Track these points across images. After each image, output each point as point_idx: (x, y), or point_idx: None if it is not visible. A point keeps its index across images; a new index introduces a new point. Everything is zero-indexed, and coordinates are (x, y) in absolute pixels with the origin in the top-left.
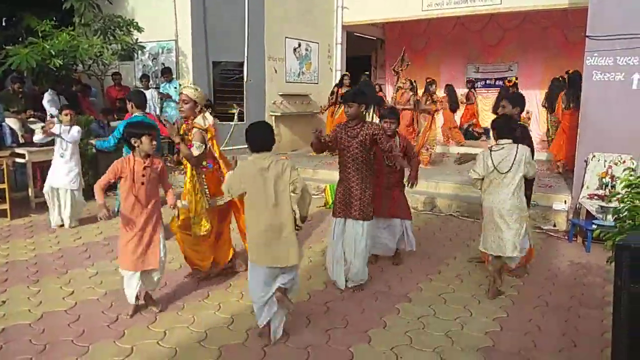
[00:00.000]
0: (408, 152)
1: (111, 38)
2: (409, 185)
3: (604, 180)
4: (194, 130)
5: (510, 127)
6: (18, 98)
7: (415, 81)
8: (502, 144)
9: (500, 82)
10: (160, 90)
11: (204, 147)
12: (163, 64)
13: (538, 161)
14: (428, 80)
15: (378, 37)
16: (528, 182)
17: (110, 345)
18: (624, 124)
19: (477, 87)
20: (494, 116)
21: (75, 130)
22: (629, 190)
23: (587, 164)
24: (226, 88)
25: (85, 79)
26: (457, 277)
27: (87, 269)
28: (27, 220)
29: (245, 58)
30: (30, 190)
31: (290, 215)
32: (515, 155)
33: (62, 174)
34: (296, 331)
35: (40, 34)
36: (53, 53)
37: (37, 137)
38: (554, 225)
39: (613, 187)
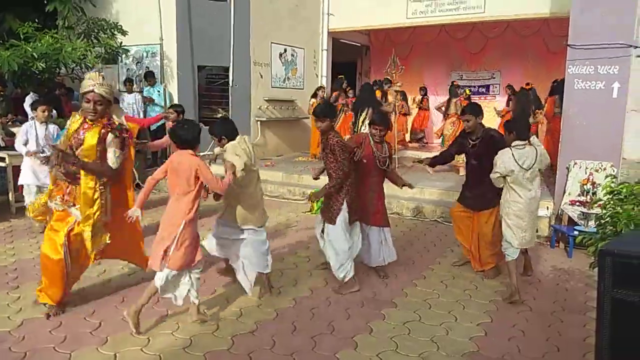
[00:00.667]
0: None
1: (95, 41)
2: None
3: (585, 187)
4: (110, 136)
5: (528, 129)
6: None
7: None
8: (523, 144)
9: (483, 90)
10: (145, 94)
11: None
12: (147, 67)
13: None
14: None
15: (363, 43)
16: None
17: (93, 353)
18: (605, 132)
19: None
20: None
21: (52, 128)
22: (611, 196)
23: (568, 171)
24: (211, 93)
25: (68, 82)
26: (442, 282)
27: None
28: (7, 225)
29: (231, 63)
30: (10, 194)
31: None
32: (536, 154)
33: (42, 171)
34: (282, 337)
35: (22, 36)
36: (36, 56)
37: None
38: (537, 231)
39: (594, 193)
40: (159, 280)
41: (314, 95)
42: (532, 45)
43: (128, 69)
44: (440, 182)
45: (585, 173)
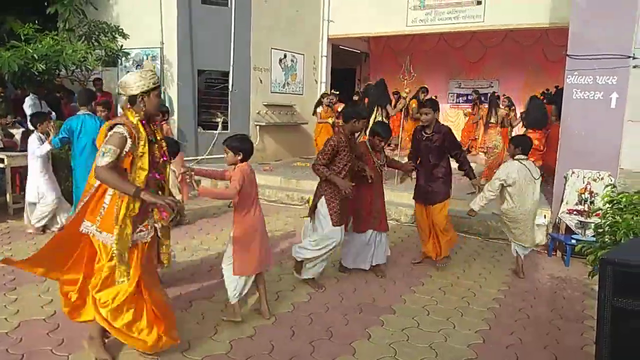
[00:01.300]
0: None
1: (95, 44)
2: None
3: (583, 196)
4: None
5: (531, 145)
6: None
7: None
8: (525, 157)
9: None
10: None
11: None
12: None
13: None
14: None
15: (363, 50)
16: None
17: (90, 355)
18: (603, 142)
19: (459, 102)
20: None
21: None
22: (610, 206)
23: (566, 180)
24: (211, 97)
25: (68, 84)
26: (440, 289)
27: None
28: (5, 227)
29: (231, 67)
30: (8, 195)
31: None
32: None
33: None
34: (281, 342)
35: (22, 38)
36: (36, 57)
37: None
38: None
39: (592, 202)
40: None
41: (319, 104)
42: (531, 55)
43: (128, 72)
44: None
45: (583, 182)
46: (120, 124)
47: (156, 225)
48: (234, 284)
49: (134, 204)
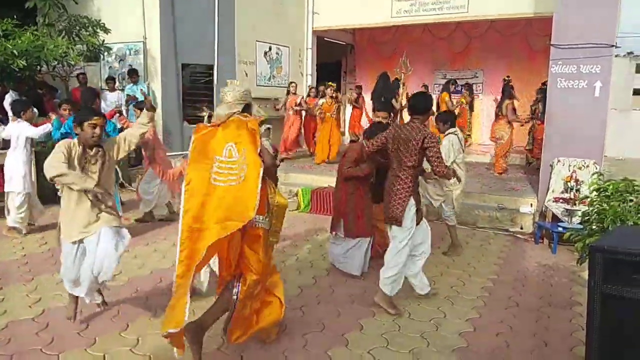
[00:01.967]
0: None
1: (76, 39)
2: None
3: (568, 184)
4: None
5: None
6: None
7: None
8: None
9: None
10: (127, 92)
11: None
12: (130, 65)
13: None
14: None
15: (348, 42)
16: None
17: (81, 354)
18: (587, 130)
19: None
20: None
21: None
22: (598, 194)
23: (552, 168)
24: (196, 91)
25: (49, 80)
26: (430, 279)
27: (54, 275)
28: None
29: (216, 61)
30: None
31: None
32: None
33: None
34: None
35: (1, 33)
36: (16, 53)
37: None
38: (521, 228)
39: (577, 190)
40: None
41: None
42: (515, 45)
43: (110, 67)
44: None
45: (569, 170)
46: None
47: None
48: None
49: None
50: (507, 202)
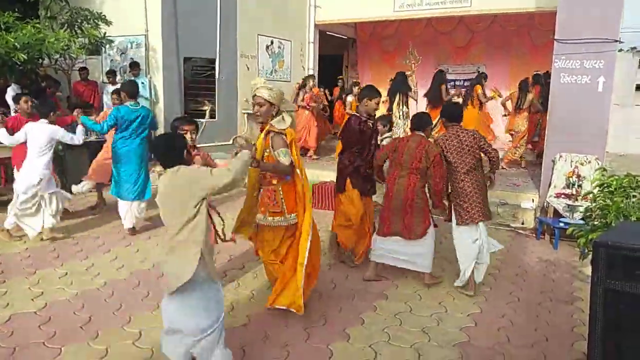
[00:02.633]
0: None
1: (78, 31)
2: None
3: (570, 179)
4: (271, 135)
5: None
6: None
7: None
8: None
9: (467, 83)
10: None
11: (289, 153)
12: (132, 58)
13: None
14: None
15: (350, 36)
16: None
17: (84, 347)
18: (590, 126)
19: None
20: None
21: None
22: (601, 189)
23: (554, 164)
24: (197, 85)
25: (52, 73)
26: (431, 274)
27: (56, 269)
28: None
29: (217, 54)
30: None
31: None
32: None
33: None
34: (275, 330)
35: (3, 27)
36: (17, 46)
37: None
38: (522, 223)
39: (579, 186)
40: None
41: (303, 86)
42: (518, 39)
43: (112, 60)
44: None
45: (571, 166)
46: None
47: None
48: None
49: None
50: (509, 198)
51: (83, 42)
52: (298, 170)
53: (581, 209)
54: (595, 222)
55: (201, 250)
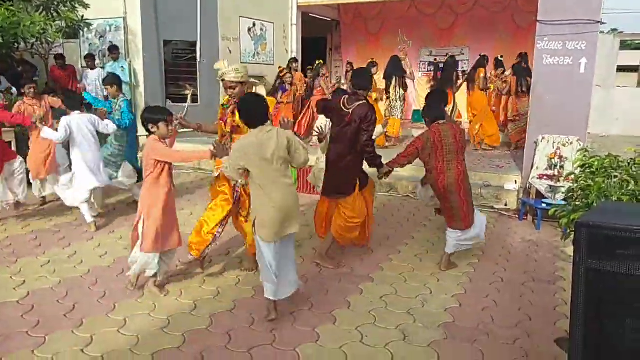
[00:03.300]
0: None
1: (54, 14)
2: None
3: (552, 160)
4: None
5: None
6: None
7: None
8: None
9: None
10: (107, 70)
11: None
12: (111, 42)
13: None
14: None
15: (333, 18)
16: None
17: (68, 335)
18: (572, 107)
19: (430, 71)
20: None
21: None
22: (582, 170)
23: (536, 146)
24: (178, 68)
25: (29, 58)
26: (416, 256)
27: (38, 257)
28: None
29: (198, 37)
30: None
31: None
32: None
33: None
34: (261, 314)
35: None
36: None
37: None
38: (506, 205)
39: (562, 167)
40: None
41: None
42: (501, 21)
43: (90, 43)
44: None
45: (553, 147)
46: None
47: None
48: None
49: None
50: (492, 180)
51: (60, 26)
52: None
53: (563, 189)
54: (577, 203)
55: None
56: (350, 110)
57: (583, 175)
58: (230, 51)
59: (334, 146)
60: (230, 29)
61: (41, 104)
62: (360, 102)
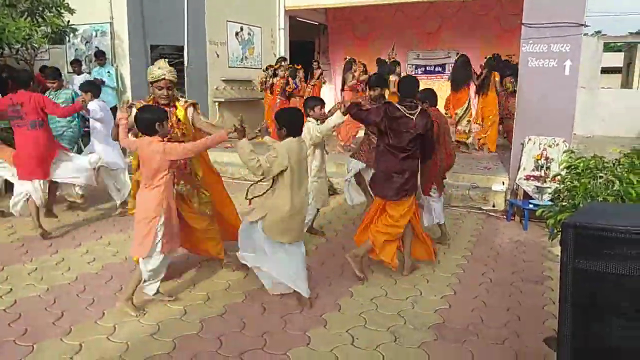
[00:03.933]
0: None
1: (40, 20)
2: None
3: (539, 162)
4: (191, 108)
5: None
6: None
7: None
8: None
9: (440, 69)
10: (94, 76)
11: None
12: (97, 47)
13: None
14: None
15: (321, 22)
16: None
17: (57, 343)
18: (557, 109)
19: (417, 74)
20: None
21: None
22: (569, 171)
23: (523, 147)
24: None
25: (13, 63)
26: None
27: (25, 265)
28: None
29: (185, 42)
30: None
31: None
32: None
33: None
34: (252, 318)
35: None
36: None
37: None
38: (494, 206)
39: (548, 168)
40: None
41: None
42: (487, 24)
43: (77, 49)
44: None
45: (539, 149)
46: None
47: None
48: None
49: None
50: (480, 181)
51: (45, 31)
52: None
53: (550, 190)
54: (564, 203)
55: None
56: (414, 117)
57: (569, 176)
58: (217, 55)
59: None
60: (217, 33)
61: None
62: (420, 110)
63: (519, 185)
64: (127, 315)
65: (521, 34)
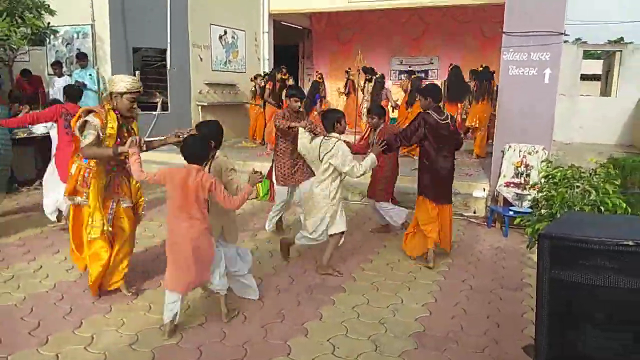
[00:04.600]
0: None
1: (19, 21)
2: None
3: (519, 169)
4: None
5: None
6: None
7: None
8: None
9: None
10: (75, 78)
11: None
12: (78, 49)
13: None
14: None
15: (305, 26)
16: None
17: (32, 354)
18: (537, 116)
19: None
20: None
21: None
22: (546, 180)
23: (503, 154)
24: (148, 76)
25: None
26: (388, 265)
27: (1, 273)
28: None
29: (168, 44)
30: None
31: None
32: None
33: None
34: (232, 328)
35: None
36: None
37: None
38: (474, 212)
39: (528, 175)
40: None
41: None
42: (469, 31)
43: (57, 51)
44: None
45: (519, 156)
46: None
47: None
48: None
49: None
50: (462, 187)
51: (25, 32)
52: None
53: (529, 197)
54: (542, 212)
55: None
56: (448, 120)
57: (547, 185)
58: (201, 59)
59: (442, 156)
60: (200, 36)
61: None
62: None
63: (499, 192)
64: (106, 325)
65: (502, 42)
